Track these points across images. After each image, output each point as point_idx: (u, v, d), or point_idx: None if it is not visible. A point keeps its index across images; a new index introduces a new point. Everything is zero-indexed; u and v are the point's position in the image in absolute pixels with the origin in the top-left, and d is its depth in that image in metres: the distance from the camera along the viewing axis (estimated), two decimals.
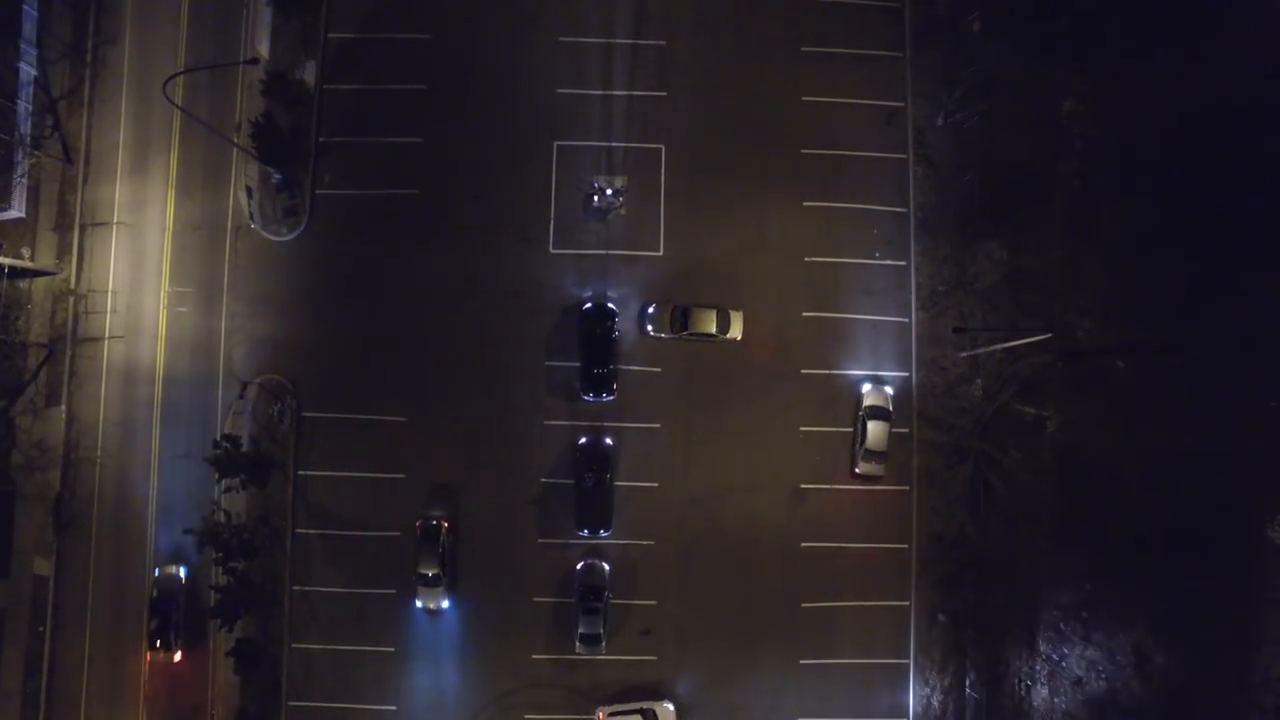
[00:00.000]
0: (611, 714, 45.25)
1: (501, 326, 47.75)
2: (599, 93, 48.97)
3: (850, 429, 47.40)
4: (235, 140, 47.78)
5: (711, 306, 47.20)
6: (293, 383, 47.82)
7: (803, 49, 49.20)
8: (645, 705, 45.26)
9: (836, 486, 47.35)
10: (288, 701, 46.35)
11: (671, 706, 45.57)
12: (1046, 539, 47.36)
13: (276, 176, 48.36)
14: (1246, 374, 47.51)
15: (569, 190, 48.40)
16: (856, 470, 47.11)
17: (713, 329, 46.84)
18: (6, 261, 46.98)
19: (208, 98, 48.90)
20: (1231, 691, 46.56)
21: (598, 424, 47.35)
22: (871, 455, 46.55)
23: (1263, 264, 47.38)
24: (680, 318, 46.96)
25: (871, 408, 46.75)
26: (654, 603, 46.70)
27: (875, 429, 46.34)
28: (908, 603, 47.15)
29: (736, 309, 47.45)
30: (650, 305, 47.47)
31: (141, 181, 49.06)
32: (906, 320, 48.33)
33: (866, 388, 47.47)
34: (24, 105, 48.40)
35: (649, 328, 47.27)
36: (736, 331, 47.24)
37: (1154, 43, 48.56)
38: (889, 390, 47.48)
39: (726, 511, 47.17)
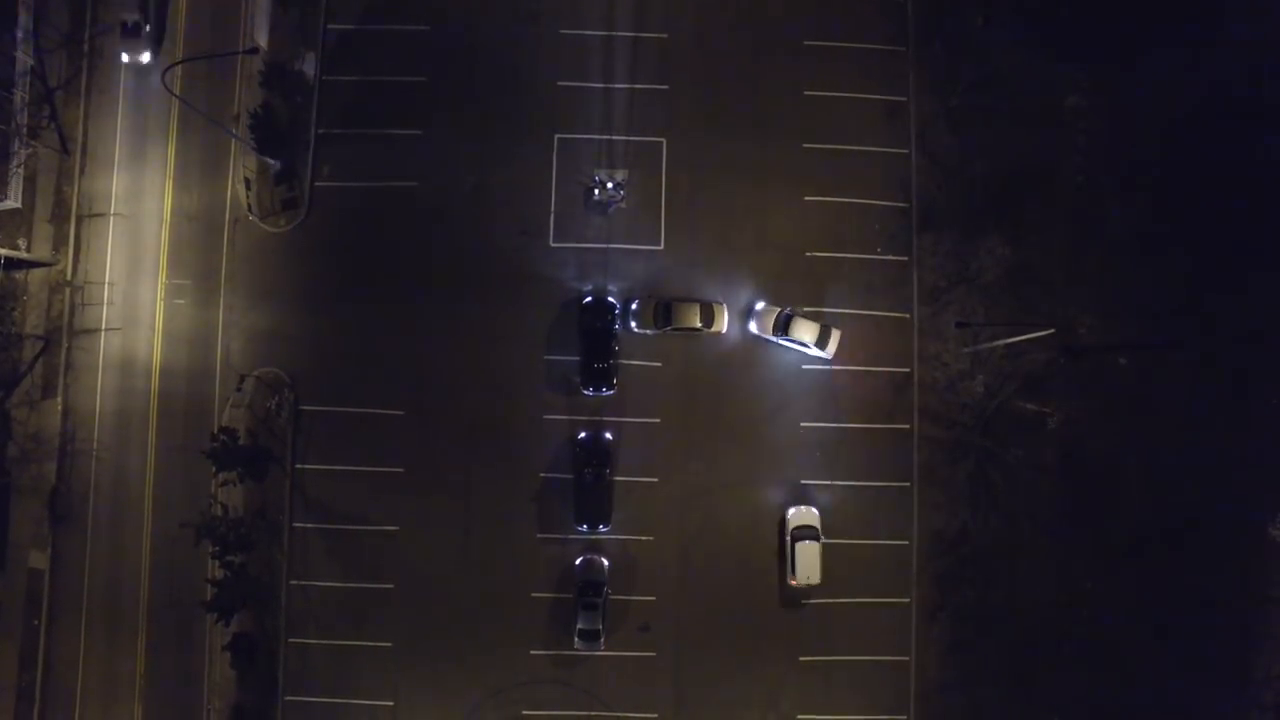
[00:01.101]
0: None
1: (501, 320, 47.50)
2: (600, 86, 48.69)
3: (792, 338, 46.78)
4: (234, 131, 47.48)
5: (694, 301, 46.87)
6: (290, 376, 47.55)
7: (805, 43, 48.94)
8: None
9: (838, 482, 47.12)
10: (284, 696, 46.08)
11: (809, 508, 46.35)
12: (1047, 536, 47.16)
13: (275, 168, 48.11)
14: (1249, 371, 47.35)
15: (569, 184, 48.13)
16: (830, 356, 46.79)
17: (696, 323, 46.40)
18: (2, 252, 46.76)
19: (206, 88, 48.48)
20: (1232, 689, 46.45)
21: (597, 419, 47.09)
22: (822, 337, 46.31)
23: (1266, 261, 47.24)
24: (663, 313, 46.54)
25: (787, 320, 46.34)
26: (653, 599, 46.48)
27: (800, 327, 46.15)
28: (908, 599, 46.98)
29: (720, 303, 47.14)
30: (634, 301, 47.18)
31: (139, 172, 48.72)
32: (908, 316, 48.07)
33: (753, 325, 47.12)
34: (20, 95, 48.00)
35: (633, 324, 46.93)
36: (721, 326, 46.90)
37: (1158, 40, 48.33)
38: (761, 306, 47.22)
39: (727, 507, 46.95)
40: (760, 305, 47.30)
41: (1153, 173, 48.06)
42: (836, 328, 46.78)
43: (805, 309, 47.18)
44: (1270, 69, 48.32)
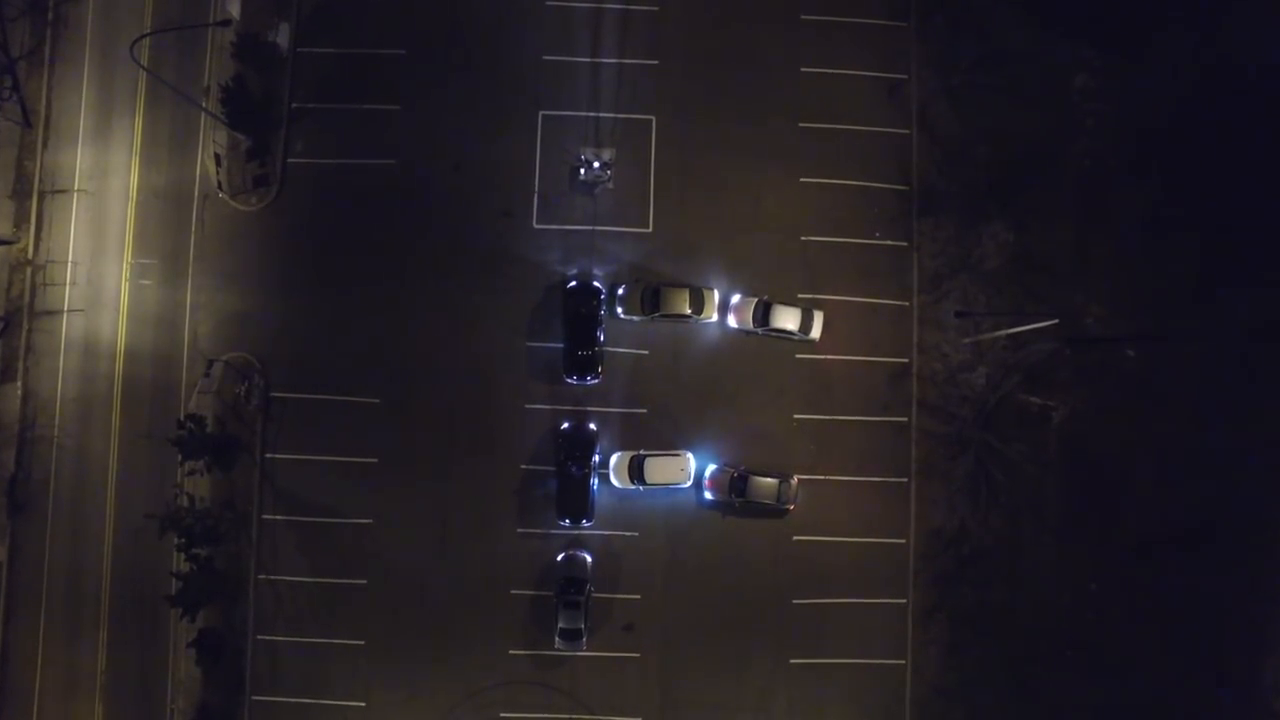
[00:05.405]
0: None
1: (481, 304, 46.41)
2: (587, 60, 47.52)
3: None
4: (204, 105, 46.25)
5: (684, 286, 45.75)
6: (261, 361, 46.39)
7: (802, 17, 47.78)
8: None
9: (832, 477, 45.96)
10: (251, 695, 45.06)
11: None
12: (1050, 535, 46.14)
13: (246, 143, 46.85)
14: (1260, 365, 46.38)
15: (554, 162, 47.02)
16: (817, 338, 45.87)
17: (686, 309, 45.20)
18: None
19: (175, 60, 47.25)
20: (1241, 694, 45.66)
21: (581, 408, 45.98)
22: (805, 322, 45.25)
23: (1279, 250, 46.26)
24: (651, 298, 45.29)
25: (765, 309, 45.25)
26: (638, 597, 45.44)
27: (780, 314, 45.07)
28: (904, 600, 45.87)
29: (710, 288, 46.00)
30: (620, 286, 46.01)
31: (104, 147, 47.41)
32: (907, 304, 47.00)
33: (731, 320, 45.73)
34: None
35: (619, 309, 45.73)
36: (711, 312, 45.65)
37: (1170, 18, 47.43)
38: (737, 299, 45.97)
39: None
40: (736, 298, 46.03)
41: (1163, 156, 47.00)
42: (818, 309, 45.72)
43: (783, 296, 45.98)
44: None
